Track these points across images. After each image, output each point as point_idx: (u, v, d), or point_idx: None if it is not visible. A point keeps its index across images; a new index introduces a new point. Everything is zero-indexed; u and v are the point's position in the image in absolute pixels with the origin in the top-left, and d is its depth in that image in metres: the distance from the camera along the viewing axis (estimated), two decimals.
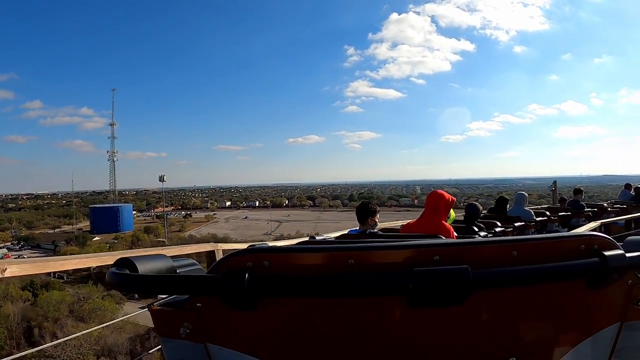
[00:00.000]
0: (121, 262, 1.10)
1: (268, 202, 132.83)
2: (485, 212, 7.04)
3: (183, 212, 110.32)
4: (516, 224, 6.46)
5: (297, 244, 2.66)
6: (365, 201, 4.14)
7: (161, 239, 68.27)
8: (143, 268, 1.09)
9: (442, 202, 3.78)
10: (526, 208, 7.58)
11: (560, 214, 8.68)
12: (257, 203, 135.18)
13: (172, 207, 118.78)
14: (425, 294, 0.94)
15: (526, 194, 7.82)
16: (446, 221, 3.94)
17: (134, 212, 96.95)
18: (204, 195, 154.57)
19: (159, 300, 1.15)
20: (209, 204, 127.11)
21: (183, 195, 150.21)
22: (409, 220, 4.36)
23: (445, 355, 1.03)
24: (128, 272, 1.07)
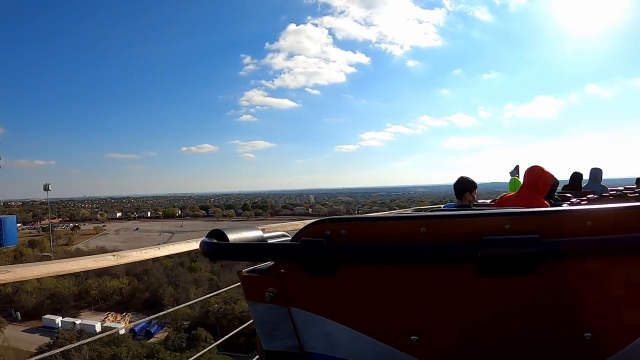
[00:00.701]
0: (214, 233, 1.21)
1: (160, 213, 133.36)
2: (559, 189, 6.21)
3: (71, 224, 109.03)
4: (589, 197, 5.66)
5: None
6: (463, 176, 3.86)
7: (46, 254, 65.13)
8: (234, 238, 1.19)
9: (542, 178, 3.39)
10: (602, 184, 7.08)
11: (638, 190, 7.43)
12: (149, 214, 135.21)
13: (60, 219, 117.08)
14: (494, 263, 0.93)
15: (601, 169, 7.17)
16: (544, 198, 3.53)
17: (19, 224, 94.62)
18: (94, 205, 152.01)
19: (248, 267, 1.23)
20: (98, 215, 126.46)
21: (72, 206, 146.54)
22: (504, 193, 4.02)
23: (513, 327, 1.02)
24: (218, 242, 1.17)
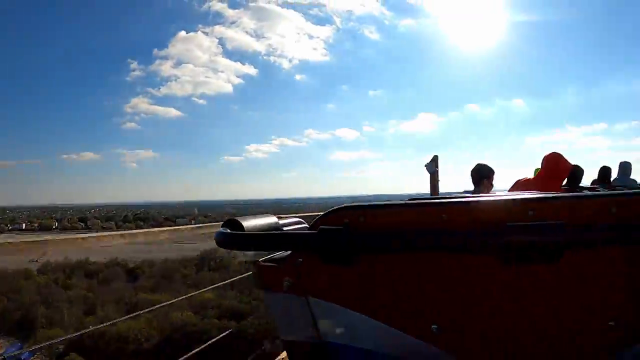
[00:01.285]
0: (229, 222, 1.19)
1: (36, 225, 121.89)
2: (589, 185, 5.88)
3: None
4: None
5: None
6: (480, 162, 3.64)
7: None
8: (249, 227, 1.16)
9: (558, 164, 3.30)
10: (632, 177, 6.80)
11: None
12: (24, 225, 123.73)
13: None
14: (518, 251, 0.91)
15: (630, 162, 6.84)
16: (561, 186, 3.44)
17: None
18: None
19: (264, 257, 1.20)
20: None
21: None
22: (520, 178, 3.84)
23: (537, 316, 0.98)
24: (234, 231, 1.14)
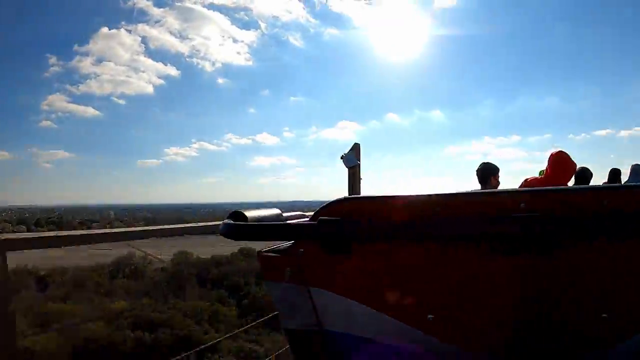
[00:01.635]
0: (234, 214, 1.21)
1: None
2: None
3: None
4: None
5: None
6: (486, 161, 3.78)
7: None
8: (253, 218, 1.19)
9: (568, 164, 3.21)
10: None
11: None
12: None
13: None
14: (507, 241, 0.92)
15: None
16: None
17: None
18: None
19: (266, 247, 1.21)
20: None
21: None
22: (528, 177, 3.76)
23: (530, 305, 0.99)
24: (238, 222, 1.16)
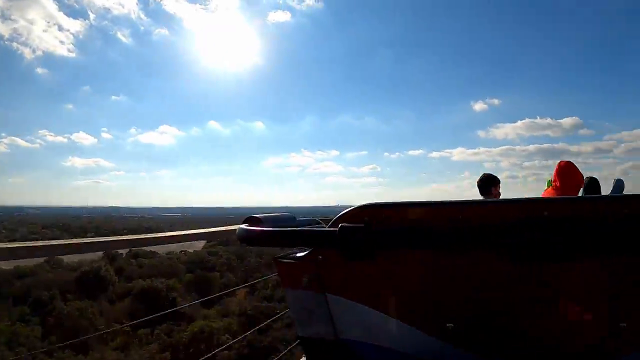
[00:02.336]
0: (250, 220, 1.21)
1: None
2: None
3: None
4: None
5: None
6: (487, 173, 3.89)
7: None
8: (270, 224, 1.19)
9: (577, 174, 3.22)
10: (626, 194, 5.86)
11: None
12: None
13: None
14: (528, 249, 0.91)
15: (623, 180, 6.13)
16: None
17: None
18: None
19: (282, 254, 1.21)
20: None
21: None
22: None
23: (550, 314, 0.99)
24: (255, 227, 1.16)
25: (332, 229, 1.10)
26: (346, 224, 1.05)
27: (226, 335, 18.38)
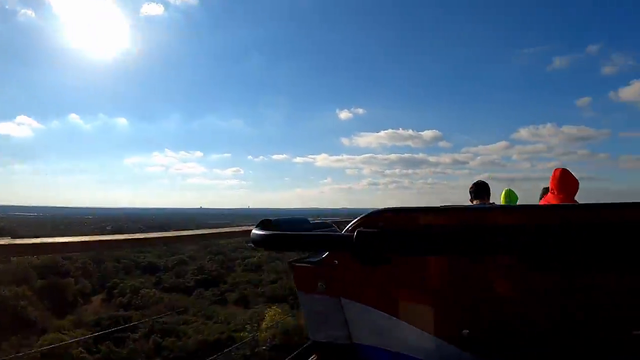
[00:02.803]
0: (265, 223, 1.19)
1: None
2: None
3: None
4: None
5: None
6: (481, 180, 4.03)
7: None
8: (284, 227, 1.18)
9: (572, 180, 3.14)
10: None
11: None
12: None
13: None
14: (541, 255, 0.91)
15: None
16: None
17: None
18: None
19: (296, 257, 1.19)
20: None
21: None
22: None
23: (565, 321, 0.98)
24: (272, 231, 1.14)
25: (348, 234, 1.07)
26: (363, 229, 1.03)
27: (80, 348, 18.12)
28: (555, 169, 3.16)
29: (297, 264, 1.19)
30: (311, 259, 1.20)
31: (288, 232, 1.19)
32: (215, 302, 43.79)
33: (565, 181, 3.07)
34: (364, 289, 1.13)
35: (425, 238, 1.01)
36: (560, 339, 1.00)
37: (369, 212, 1.09)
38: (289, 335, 28.41)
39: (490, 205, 1.68)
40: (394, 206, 1.10)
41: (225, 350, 23.27)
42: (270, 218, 1.25)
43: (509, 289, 1.03)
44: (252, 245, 1.22)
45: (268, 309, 32.11)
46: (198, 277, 52.97)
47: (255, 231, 1.21)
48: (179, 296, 42.66)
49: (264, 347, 23.44)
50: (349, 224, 1.12)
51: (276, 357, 23.03)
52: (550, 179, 3.14)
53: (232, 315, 36.45)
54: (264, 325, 30.13)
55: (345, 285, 1.13)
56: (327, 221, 1.48)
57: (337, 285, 1.13)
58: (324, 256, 1.16)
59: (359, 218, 1.10)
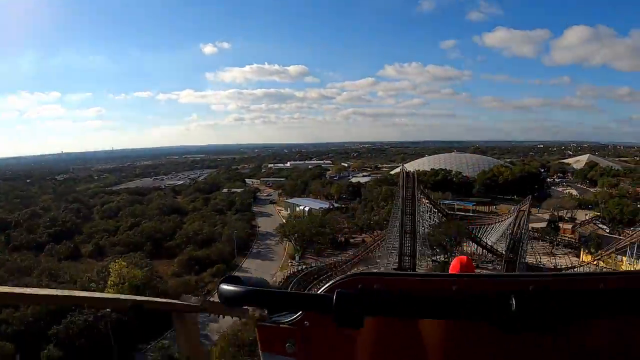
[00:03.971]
0: (230, 279, 1.14)
1: None
2: None
3: None
4: None
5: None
6: None
7: None
8: (251, 283, 1.13)
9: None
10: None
11: None
12: None
13: None
14: (518, 321, 0.94)
15: None
16: None
17: None
18: None
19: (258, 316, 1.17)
20: None
21: None
22: None
23: None
24: (243, 287, 1.10)
25: (328, 294, 1.02)
26: (342, 290, 1.00)
27: None
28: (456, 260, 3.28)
29: (264, 324, 1.12)
30: (278, 319, 1.12)
31: (266, 290, 1.12)
32: (68, 257, 42.97)
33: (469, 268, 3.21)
34: (336, 352, 1.09)
35: (400, 301, 1.01)
36: None
37: (346, 274, 1.07)
38: (139, 291, 28.18)
39: (470, 274, 1.91)
40: (367, 271, 1.13)
41: (64, 320, 23.16)
42: (234, 274, 1.18)
43: (481, 351, 1.03)
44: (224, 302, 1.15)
45: (113, 263, 32.45)
46: (51, 231, 50.94)
47: (223, 287, 1.12)
48: (27, 255, 40.65)
49: (109, 310, 21.95)
50: (324, 286, 1.07)
51: (126, 320, 23.24)
52: (451, 268, 3.27)
53: (83, 271, 35.89)
54: (110, 282, 30.36)
55: (316, 348, 1.09)
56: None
57: (307, 347, 1.08)
58: (295, 316, 1.10)
59: (337, 279, 1.06)
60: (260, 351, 1.16)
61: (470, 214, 58.99)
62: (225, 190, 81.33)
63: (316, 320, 1.08)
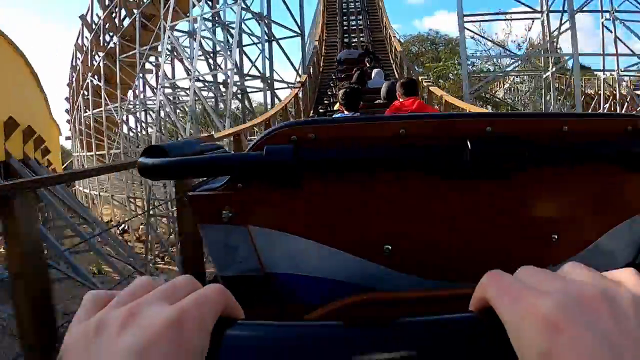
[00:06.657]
0: (151, 150, 0.97)
1: None
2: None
3: None
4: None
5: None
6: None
7: None
8: (175, 153, 0.97)
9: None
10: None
11: None
12: None
13: None
14: (475, 166, 0.86)
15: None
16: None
17: None
18: None
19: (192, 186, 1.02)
20: None
21: None
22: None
23: (487, 230, 0.97)
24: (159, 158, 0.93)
25: (255, 152, 0.87)
26: (272, 146, 0.84)
27: None
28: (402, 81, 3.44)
29: (196, 193, 0.96)
30: (209, 186, 0.97)
31: (186, 158, 0.94)
32: None
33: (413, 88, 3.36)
34: (276, 213, 0.95)
35: (339, 153, 0.86)
36: (482, 246, 0.96)
37: (276, 126, 0.93)
38: None
39: (417, 114, 1.75)
40: (300, 120, 1.08)
41: None
42: (157, 144, 1.03)
43: (431, 200, 0.93)
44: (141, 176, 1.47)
45: None
46: None
47: (142, 160, 0.93)
48: None
49: None
50: (253, 142, 0.95)
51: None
52: (398, 87, 3.41)
53: None
54: None
55: (254, 211, 0.94)
56: (217, 143, 1.16)
57: (244, 212, 0.93)
58: (225, 181, 0.94)
59: (265, 133, 0.92)
60: (198, 225, 1.01)
61: None
62: None
63: (249, 183, 0.91)
